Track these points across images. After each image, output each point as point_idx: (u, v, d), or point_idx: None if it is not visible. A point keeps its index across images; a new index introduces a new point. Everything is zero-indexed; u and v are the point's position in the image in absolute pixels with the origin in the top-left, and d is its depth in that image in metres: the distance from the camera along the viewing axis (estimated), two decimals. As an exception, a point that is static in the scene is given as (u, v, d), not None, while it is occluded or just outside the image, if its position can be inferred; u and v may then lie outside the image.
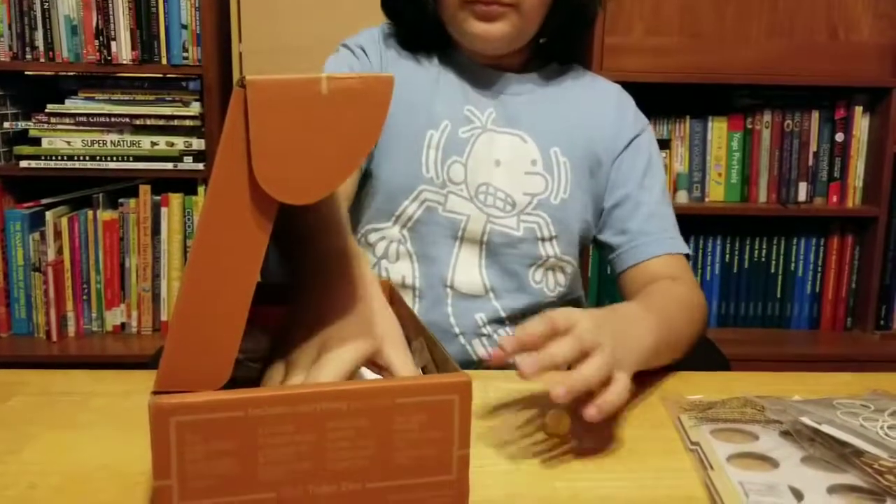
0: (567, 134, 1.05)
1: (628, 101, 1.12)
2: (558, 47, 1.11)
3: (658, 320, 0.81)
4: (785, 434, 0.67)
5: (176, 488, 0.50)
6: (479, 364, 1.01)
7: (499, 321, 1.02)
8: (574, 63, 1.13)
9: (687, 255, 1.05)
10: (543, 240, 1.03)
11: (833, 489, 0.59)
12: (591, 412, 0.64)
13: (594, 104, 1.09)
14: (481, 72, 1.06)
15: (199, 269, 0.51)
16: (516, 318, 1.03)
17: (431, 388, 0.54)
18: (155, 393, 0.51)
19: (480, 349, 1.02)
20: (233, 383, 0.53)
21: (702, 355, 1.19)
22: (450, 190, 1.01)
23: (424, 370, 0.65)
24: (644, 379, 0.82)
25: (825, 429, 0.64)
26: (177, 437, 0.50)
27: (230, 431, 0.50)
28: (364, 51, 1.06)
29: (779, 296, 2.21)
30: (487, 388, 0.80)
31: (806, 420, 0.66)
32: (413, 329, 0.69)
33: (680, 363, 1.08)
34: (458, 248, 1.02)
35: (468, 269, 1.02)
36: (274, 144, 0.50)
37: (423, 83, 1.04)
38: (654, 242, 1.03)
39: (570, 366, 0.67)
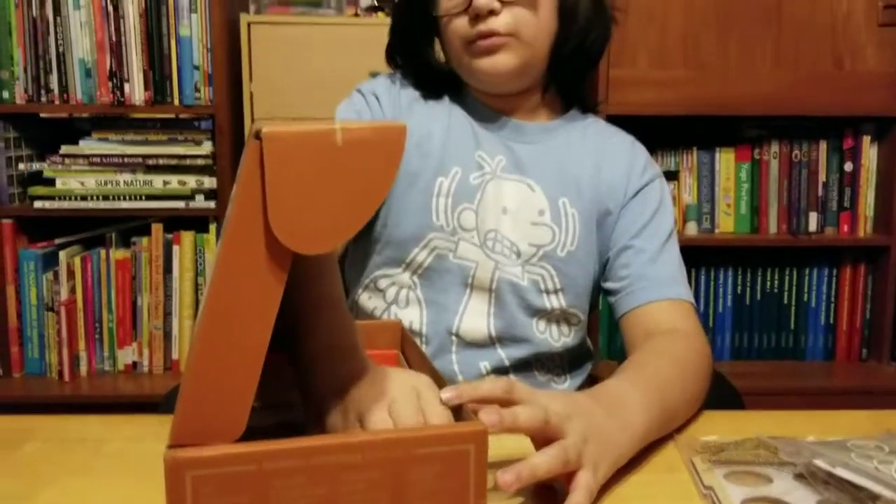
0: (577, 184, 1.04)
1: (641, 152, 1.10)
2: (568, 88, 1.09)
3: (649, 399, 0.75)
4: (799, 477, 0.67)
5: (191, 542, 0.50)
6: None
7: (503, 370, 1.01)
8: (591, 112, 1.13)
9: (693, 305, 1.00)
10: (548, 292, 1.02)
11: (851, 534, 0.59)
12: None
13: (606, 155, 1.07)
14: (492, 116, 1.06)
15: (212, 319, 0.52)
16: (520, 367, 1.02)
17: (447, 437, 0.55)
18: (171, 447, 0.51)
19: None
20: (248, 431, 0.53)
21: (714, 391, 1.17)
22: (460, 237, 1.01)
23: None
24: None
25: (840, 472, 0.63)
26: (192, 490, 0.50)
27: (245, 485, 0.51)
28: (377, 98, 1.06)
29: (792, 327, 2.19)
30: (500, 437, 0.79)
31: (820, 463, 0.65)
32: (427, 374, 0.70)
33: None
34: (468, 295, 1.02)
35: (476, 318, 1.01)
36: (289, 195, 0.51)
37: (436, 130, 1.04)
38: (652, 287, 0.99)
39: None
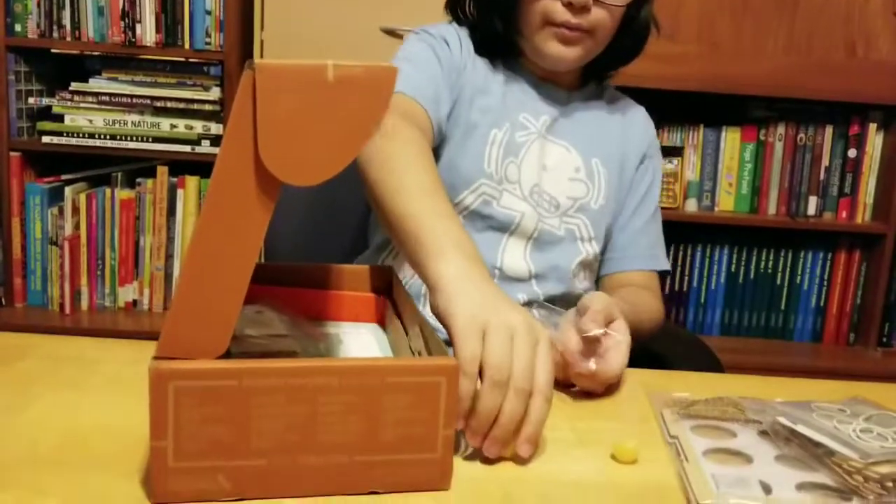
0: (605, 147, 1.14)
1: (651, 124, 1.23)
2: (607, 69, 1.17)
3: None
4: (763, 434, 0.69)
5: (171, 449, 0.53)
6: None
7: (536, 303, 1.08)
8: (604, 81, 1.21)
9: (665, 272, 1.19)
10: (583, 239, 1.11)
11: (802, 486, 0.61)
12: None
13: (626, 122, 1.18)
14: (538, 83, 1.13)
15: (203, 242, 0.54)
16: (550, 301, 1.09)
17: (420, 369, 0.57)
18: (156, 358, 0.53)
19: None
20: (245, 356, 0.55)
21: (696, 357, 1.22)
22: (504, 188, 1.07)
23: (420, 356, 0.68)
24: (634, 377, 0.84)
25: (800, 428, 0.66)
26: (174, 400, 0.53)
27: (225, 399, 0.53)
28: (447, 43, 1.10)
29: (783, 308, 2.22)
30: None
31: (782, 420, 0.68)
32: (411, 317, 0.72)
33: (673, 362, 1.12)
34: (506, 239, 1.08)
35: (515, 257, 1.08)
36: (279, 127, 0.53)
37: (494, 85, 1.10)
38: (637, 258, 1.16)
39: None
